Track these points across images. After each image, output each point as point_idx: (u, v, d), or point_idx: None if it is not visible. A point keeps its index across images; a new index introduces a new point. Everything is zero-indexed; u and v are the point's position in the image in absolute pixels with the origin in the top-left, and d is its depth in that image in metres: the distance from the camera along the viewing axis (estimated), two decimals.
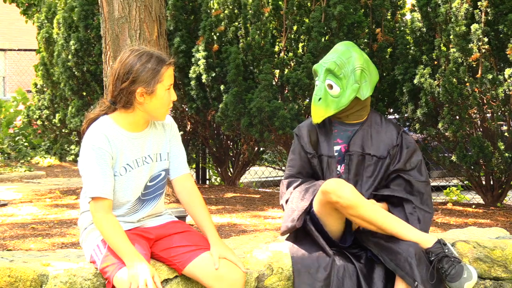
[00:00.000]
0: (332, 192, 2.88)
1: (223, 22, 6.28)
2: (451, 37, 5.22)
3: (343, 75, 3.04)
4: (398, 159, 3.10)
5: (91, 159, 2.71)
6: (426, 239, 2.90)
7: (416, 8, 5.71)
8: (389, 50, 5.95)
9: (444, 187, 6.73)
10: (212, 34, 6.24)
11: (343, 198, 2.87)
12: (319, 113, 3.08)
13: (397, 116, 6.05)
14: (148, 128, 2.86)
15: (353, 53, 3.09)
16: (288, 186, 3.17)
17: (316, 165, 3.13)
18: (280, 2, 6.07)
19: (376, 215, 2.92)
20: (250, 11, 6.08)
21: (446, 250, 2.85)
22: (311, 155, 3.14)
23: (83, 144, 2.75)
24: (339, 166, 3.12)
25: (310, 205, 3.03)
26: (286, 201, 3.12)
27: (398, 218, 2.96)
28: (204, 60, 6.19)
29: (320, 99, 3.07)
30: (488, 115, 5.39)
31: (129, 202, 2.83)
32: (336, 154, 3.11)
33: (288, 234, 3.13)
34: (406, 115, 5.72)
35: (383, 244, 2.93)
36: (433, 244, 2.88)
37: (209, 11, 6.32)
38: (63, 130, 8.52)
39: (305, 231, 3.06)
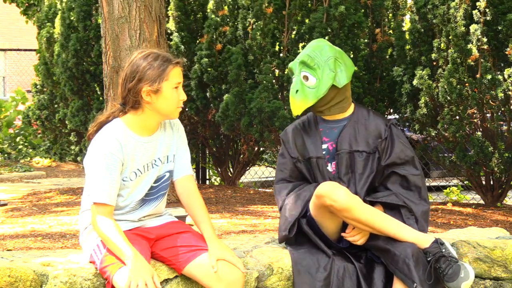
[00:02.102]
0: (326, 195, 2.87)
1: (225, 22, 6.29)
2: (450, 37, 5.22)
3: (317, 66, 3.05)
4: (389, 153, 3.06)
5: (100, 163, 2.70)
6: (423, 239, 2.89)
7: (413, 9, 5.72)
8: (389, 50, 5.95)
9: (444, 187, 6.73)
10: (216, 33, 6.25)
11: (337, 201, 2.85)
12: (298, 105, 3.07)
13: (397, 117, 6.06)
14: (159, 131, 2.87)
15: (324, 45, 3.11)
16: (279, 192, 3.16)
17: (303, 169, 3.12)
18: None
19: (372, 217, 2.90)
20: (251, 11, 6.08)
21: (443, 250, 2.84)
22: (295, 160, 3.13)
23: (93, 146, 2.74)
24: (329, 165, 3.11)
25: (304, 210, 3.02)
26: (280, 208, 3.13)
27: (394, 219, 2.94)
28: (207, 59, 6.20)
29: (297, 91, 3.07)
30: (488, 115, 5.39)
31: (133, 201, 2.84)
32: (324, 153, 3.11)
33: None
34: (406, 115, 5.72)
35: (380, 245, 2.92)
36: (430, 244, 2.87)
37: (215, 10, 6.32)
38: (63, 130, 8.53)
39: (304, 233, 3.06)
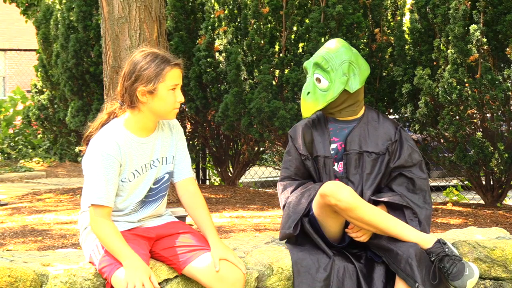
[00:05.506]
0: (330, 195, 2.87)
1: (223, 22, 6.29)
2: (449, 38, 5.22)
3: (331, 68, 3.05)
4: (398, 156, 3.09)
5: (98, 165, 2.71)
6: (426, 239, 2.90)
7: (414, 9, 5.72)
8: (389, 50, 5.95)
9: (444, 187, 6.73)
10: (214, 34, 6.25)
11: (342, 200, 2.86)
12: (308, 107, 3.08)
13: (397, 117, 6.06)
14: (156, 132, 2.87)
15: (341, 47, 3.10)
16: (284, 189, 3.16)
17: (310, 167, 3.12)
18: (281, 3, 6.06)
19: (375, 217, 2.91)
20: (249, 11, 6.08)
21: (446, 249, 2.85)
22: (304, 157, 3.13)
23: (92, 147, 2.75)
24: (336, 164, 3.12)
25: (307, 209, 3.03)
26: (283, 206, 3.13)
27: (397, 219, 2.95)
28: (205, 60, 6.20)
29: (308, 93, 3.07)
30: (488, 115, 5.39)
31: (132, 203, 2.84)
32: (332, 152, 3.11)
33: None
34: (406, 115, 5.72)
35: (383, 245, 2.93)
36: (433, 244, 2.87)
37: (211, 10, 6.32)
38: (63, 130, 8.52)
39: (305, 232, 3.06)
